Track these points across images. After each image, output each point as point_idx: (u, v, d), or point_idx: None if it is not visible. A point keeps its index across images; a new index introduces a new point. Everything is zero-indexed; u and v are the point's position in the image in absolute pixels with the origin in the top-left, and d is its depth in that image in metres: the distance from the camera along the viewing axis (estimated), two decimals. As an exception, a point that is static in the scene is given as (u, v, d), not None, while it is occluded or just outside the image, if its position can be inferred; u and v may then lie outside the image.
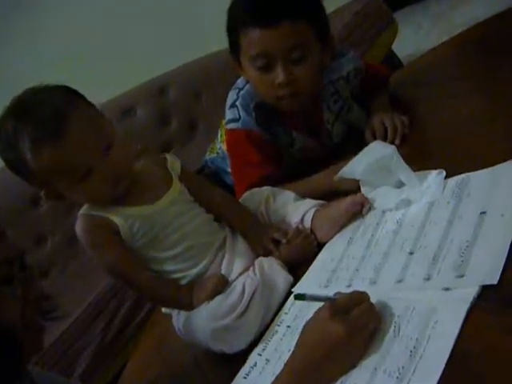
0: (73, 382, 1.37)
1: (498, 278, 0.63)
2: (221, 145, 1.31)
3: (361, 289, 0.76)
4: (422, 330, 0.65)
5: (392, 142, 1.06)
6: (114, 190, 0.88)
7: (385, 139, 1.08)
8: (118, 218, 0.88)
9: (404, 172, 0.89)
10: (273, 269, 0.92)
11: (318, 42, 1.06)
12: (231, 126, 1.16)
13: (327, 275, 0.87)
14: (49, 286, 1.95)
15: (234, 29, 1.07)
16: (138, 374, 1.09)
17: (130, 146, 0.92)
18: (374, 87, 1.24)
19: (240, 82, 1.17)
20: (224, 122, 1.21)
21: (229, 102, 1.17)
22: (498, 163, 0.80)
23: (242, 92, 1.14)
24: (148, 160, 0.99)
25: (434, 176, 0.87)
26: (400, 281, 0.75)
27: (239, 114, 1.13)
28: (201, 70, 2.34)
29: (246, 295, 0.86)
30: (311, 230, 0.96)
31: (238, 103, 1.14)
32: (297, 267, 0.95)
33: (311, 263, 0.94)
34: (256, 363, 0.82)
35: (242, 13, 1.05)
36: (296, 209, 0.99)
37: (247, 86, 1.14)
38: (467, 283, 0.66)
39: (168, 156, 1.01)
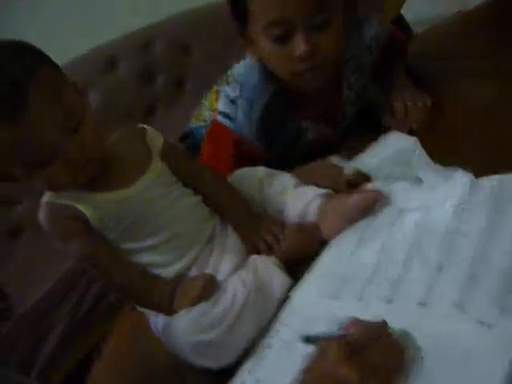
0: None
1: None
2: (209, 112, 1.16)
3: (374, 306, 0.65)
4: (454, 375, 0.53)
5: (410, 130, 0.94)
6: (81, 176, 0.74)
7: (405, 119, 0.96)
8: (85, 206, 0.75)
9: (426, 169, 0.76)
10: (268, 270, 0.79)
11: (340, 2, 0.88)
12: (221, 119, 1.00)
13: (335, 283, 0.74)
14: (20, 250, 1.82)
15: None
16: (108, 370, 0.97)
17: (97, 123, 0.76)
18: (392, 56, 1.08)
19: (243, 71, 1.00)
20: (214, 101, 1.06)
21: (227, 91, 1.00)
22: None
23: (245, 92, 0.97)
24: (123, 133, 0.84)
25: (461, 175, 0.75)
26: (423, 304, 0.62)
27: (236, 113, 0.98)
28: (191, 22, 2.15)
29: (236, 305, 0.73)
30: (315, 225, 0.83)
31: (239, 102, 0.97)
32: (294, 265, 0.82)
33: (311, 262, 0.82)
34: (244, 383, 0.71)
35: None
36: (297, 197, 0.86)
37: (253, 82, 0.97)
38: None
39: (148, 128, 0.85)
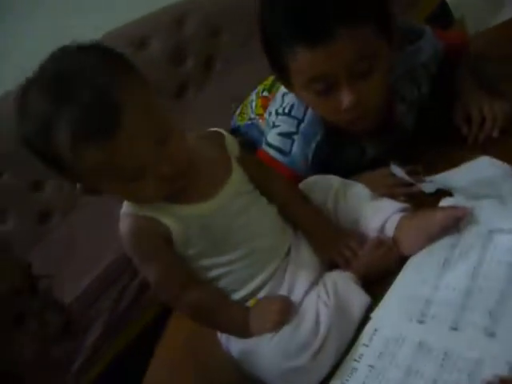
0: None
1: None
2: (255, 116, 1.14)
3: (475, 339, 0.62)
4: None
5: (489, 135, 0.90)
6: (168, 189, 0.70)
7: (481, 126, 0.91)
8: (169, 220, 0.71)
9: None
10: (348, 288, 0.76)
11: (384, 41, 0.82)
12: (274, 154, 0.94)
13: (419, 306, 0.72)
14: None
15: (276, 48, 0.83)
16: (169, 376, 0.94)
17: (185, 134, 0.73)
18: (455, 62, 1.03)
19: (296, 105, 0.93)
20: (260, 107, 1.03)
21: (283, 126, 0.94)
22: None
23: (303, 126, 0.92)
24: (201, 139, 0.80)
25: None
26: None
27: (291, 148, 0.93)
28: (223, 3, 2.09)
29: (322, 329, 0.70)
30: (393, 241, 0.80)
31: (295, 137, 0.92)
32: (371, 284, 0.80)
33: (389, 279, 0.79)
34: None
35: (282, 28, 0.80)
36: (375, 211, 0.82)
37: (308, 117, 0.92)
38: None
39: (225, 133, 0.81)
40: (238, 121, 1.22)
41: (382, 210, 0.82)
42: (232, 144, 0.80)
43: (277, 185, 0.83)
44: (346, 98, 0.81)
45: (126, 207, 0.73)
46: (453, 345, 0.65)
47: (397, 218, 0.80)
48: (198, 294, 0.74)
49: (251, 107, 1.17)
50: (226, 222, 0.74)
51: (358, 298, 0.76)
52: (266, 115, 1.06)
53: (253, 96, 1.18)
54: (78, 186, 0.70)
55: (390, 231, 0.80)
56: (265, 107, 1.09)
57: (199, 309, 0.75)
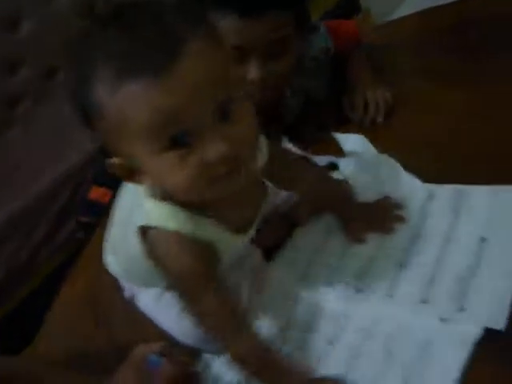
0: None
1: (504, 323, 0.62)
2: None
3: (346, 293, 0.74)
4: (415, 362, 0.63)
5: (373, 121, 1.01)
6: (217, 185, 0.55)
7: (365, 115, 1.02)
8: (224, 247, 0.64)
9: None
10: None
11: (298, 31, 0.91)
12: None
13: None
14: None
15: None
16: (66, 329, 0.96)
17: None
18: (348, 51, 1.12)
19: None
20: None
21: None
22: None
23: None
24: None
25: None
26: (390, 296, 0.72)
27: None
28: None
29: None
30: None
31: None
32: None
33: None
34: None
35: None
36: None
37: None
38: (468, 320, 0.64)
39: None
40: None
41: None
42: (261, 150, 0.68)
43: (306, 177, 0.80)
44: (252, 72, 0.88)
45: (163, 217, 0.60)
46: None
47: None
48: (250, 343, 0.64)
49: None
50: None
51: None
52: None
53: None
54: (111, 161, 0.57)
55: None
56: None
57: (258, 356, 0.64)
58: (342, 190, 0.83)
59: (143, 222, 0.62)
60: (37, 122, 1.75)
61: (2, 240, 1.47)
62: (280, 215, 0.86)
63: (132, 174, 0.58)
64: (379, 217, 0.81)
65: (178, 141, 0.52)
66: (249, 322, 0.66)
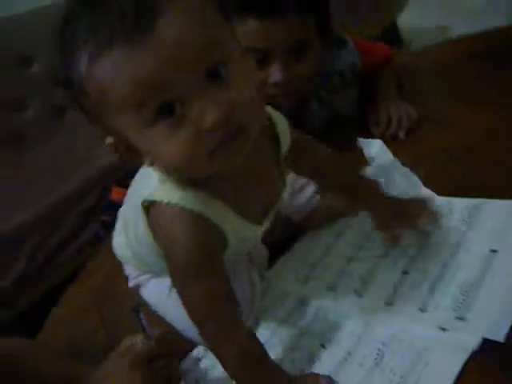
0: None
1: (504, 335, 0.58)
2: None
3: (346, 297, 0.71)
4: (409, 368, 0.60)
5: (395, 136, 1.00)
6: (219, 158, 0.51)
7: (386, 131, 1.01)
8: (230, 230, 0.59)
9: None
10: None
11: (320, 37, 0.92)
12: None
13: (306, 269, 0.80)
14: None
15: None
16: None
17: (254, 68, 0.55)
18: (376, 70, 1.12)
19: None
20: None
21: None
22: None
23: None
24: None
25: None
26: (390, 303, 0.69)
27: None
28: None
29: None
30: None
31: None
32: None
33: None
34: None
35: None
36: None
37: None
38: (467, 330, 0.61)
39: (277, 115, 0.66)
40: None
41: None
42: (283, 133, 0.65)
43: (328, 166, 0.75)
44: (276, 74, 0.88)
45: (171, 195, 0.56)
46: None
47: None
48: (247, 339, 0.61)
49: None
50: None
51: None
52: None
53: None
54: (107, 140, 0.54)
55: None
56: None
57: (246, 357, 0.60)
58: (372, 182, 0.78)
59: (148, 197, 0.58)
60: (71, 127, 1.80)
61: (26, 237, 1.50)
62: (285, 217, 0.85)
63: (132, 154, 0.54)
64: (411, 213, 0.74)
65: (166, 110, 0.48)
66: (241, 321, 0.61)
